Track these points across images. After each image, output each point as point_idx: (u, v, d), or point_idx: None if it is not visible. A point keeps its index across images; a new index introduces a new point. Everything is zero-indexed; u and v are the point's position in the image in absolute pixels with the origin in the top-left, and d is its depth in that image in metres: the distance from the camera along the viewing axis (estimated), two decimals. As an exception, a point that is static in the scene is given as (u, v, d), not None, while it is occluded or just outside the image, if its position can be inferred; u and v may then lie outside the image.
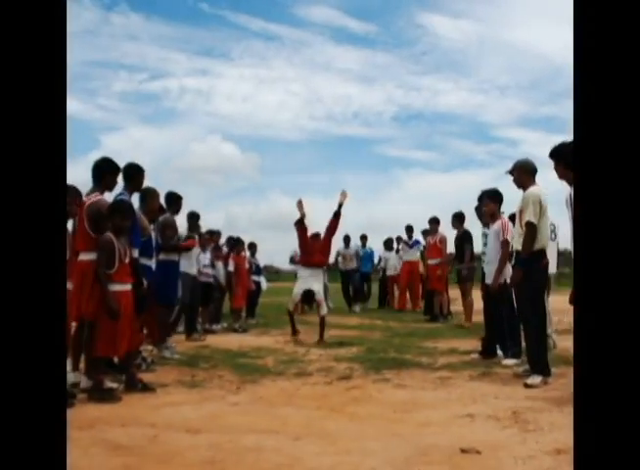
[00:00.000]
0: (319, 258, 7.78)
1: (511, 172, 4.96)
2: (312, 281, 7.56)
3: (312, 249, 7.74)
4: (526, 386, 4.44)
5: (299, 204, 7.98)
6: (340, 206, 7.97)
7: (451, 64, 47.70)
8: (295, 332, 7.68)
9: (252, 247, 10.65)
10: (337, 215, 7.93)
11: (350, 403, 3.95)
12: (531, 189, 4.78)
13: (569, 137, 4.11)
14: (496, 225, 5.85)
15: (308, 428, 3.36)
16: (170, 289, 6.09)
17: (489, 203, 6.06)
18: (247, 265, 9.78)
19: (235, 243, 9.67)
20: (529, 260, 4.66)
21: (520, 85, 46.32)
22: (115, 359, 4.83)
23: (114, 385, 4.37)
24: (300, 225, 7.92)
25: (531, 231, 4.64)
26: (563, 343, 6.43)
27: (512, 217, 5.88)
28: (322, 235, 8.05)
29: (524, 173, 4.88)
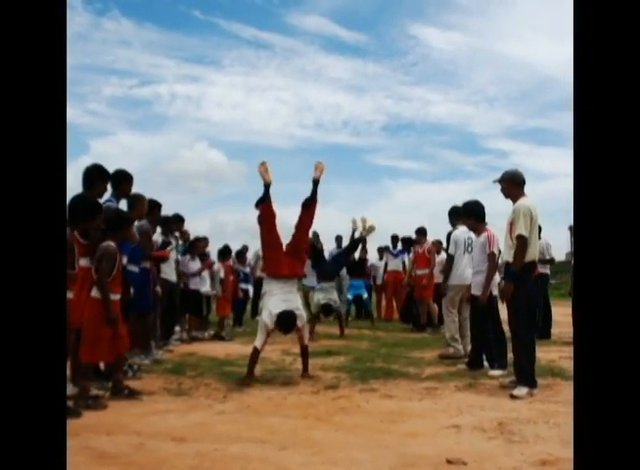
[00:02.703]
0: (293, 266, 5.40)
1: (499, 182, 5.01)
2: (290, 298, 5.27)
3: (281, 253, 5.44)
4: (512, 397, 4.47)
5: (264, 167, 5.50)
6: (315, 183, 5.62)
7: (441, 75, 48.07)
8: (250, 375, 5.17)
9: (241, 254, 10.63)
10: (310, 203, 5.59)
11: (337, 413, 3.95)
12: (522, 201, 4.83)
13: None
14: (482, 237, 5.91)
15: (295, 437, 3.35)
16: (145, 297, 5.97)
17: (467, 220, 6.21)
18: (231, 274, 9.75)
19: (222, 250, 9.66)
20: (521, 273, 4.70)
21: (509, 97, 46.78)
22: (101, 366, 4.80)
23: (100, 392, 4.35)
24: (266, 205, 5.43)
25: (522, 244, 4.68)
26: (549, 354, 6.49)
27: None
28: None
29: (512, 184, 4.93)
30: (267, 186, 5.45)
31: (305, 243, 5.78)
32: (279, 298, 5.23)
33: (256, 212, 5.46)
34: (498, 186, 5.02)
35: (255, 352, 5.20)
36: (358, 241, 8.59)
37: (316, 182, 5.63)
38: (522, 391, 4.54)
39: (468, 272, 6.38)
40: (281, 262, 5.36)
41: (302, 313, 5.31)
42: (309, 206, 5.59)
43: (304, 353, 5.50)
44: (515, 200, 4.88)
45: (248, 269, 10.91)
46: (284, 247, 5.49)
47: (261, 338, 5.18)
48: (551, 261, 8.96)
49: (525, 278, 4.71)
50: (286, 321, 5.12)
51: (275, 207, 5.50)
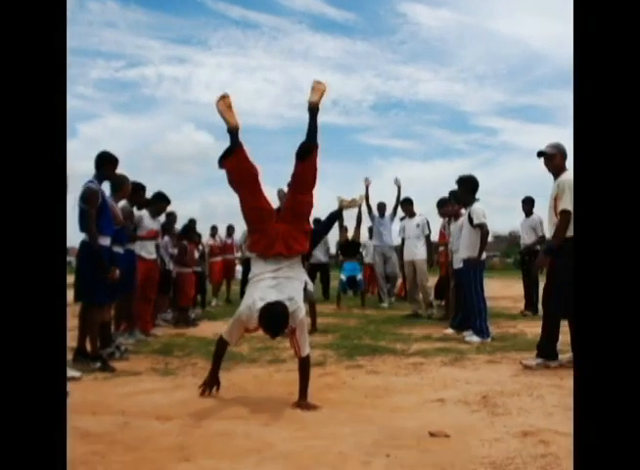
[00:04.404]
0: (287, 241, 3.80)
1: (542, 154, 4.83)
2: (283, 285, 3.69)
3: (271, 224, 3.82)
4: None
5: (223, 103, 3.88)
6: (312, 112, 3.82)
7: (431, 53, 47.65)
8: (214, 384, 3.89)
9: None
10: (308, 147, 3.76)
11: (322, 390, 3.96)
12: (566, 175, 4.68)
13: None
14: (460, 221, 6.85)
15: (279, 414, 3.37)
16: (130, 278, 5.86)
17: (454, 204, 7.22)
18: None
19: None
20: (562, 248, 4.56)
21: (498, 74, 46.61)
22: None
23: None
24: (234, 158, 3.78)
25: (566, 219, 4.54)
26: (535, 329, 6.53)
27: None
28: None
29: (560, 157, 4.78)
30: (232, 132, 3.82)
31: (305, 206, 3.93)
32: (266, 284, 3.70)
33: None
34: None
35: (219, 347, 3.98)
36: (335, 216, 7.36)
37: (314, 110, 3.85)
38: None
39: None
40: (271, 237, 3.79)
41: (299, 308, 3.64)
42: (307, 153, 3.80)
43: (302, 370, 3.72)
44: (558, 173, 4.75)
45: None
46: (274, 215, 3.92)
47: (231, 331, 3.88)
48: (542, 239, 8.72)
49: (565, 254, 4.44)
50: (271, 318, 3.50)
51: (252, 159, 3.81)
